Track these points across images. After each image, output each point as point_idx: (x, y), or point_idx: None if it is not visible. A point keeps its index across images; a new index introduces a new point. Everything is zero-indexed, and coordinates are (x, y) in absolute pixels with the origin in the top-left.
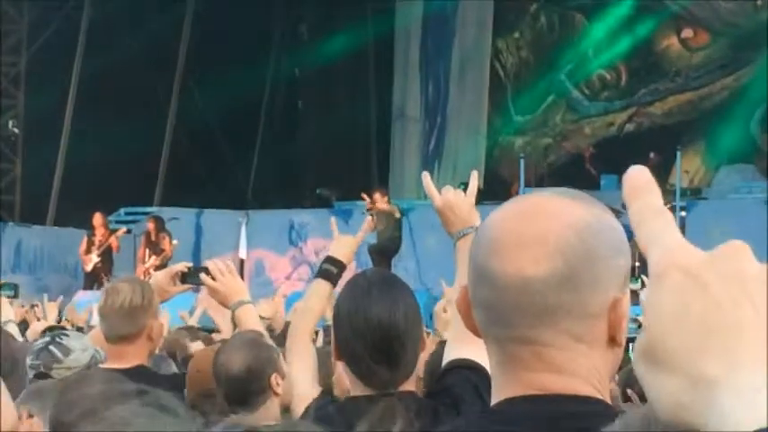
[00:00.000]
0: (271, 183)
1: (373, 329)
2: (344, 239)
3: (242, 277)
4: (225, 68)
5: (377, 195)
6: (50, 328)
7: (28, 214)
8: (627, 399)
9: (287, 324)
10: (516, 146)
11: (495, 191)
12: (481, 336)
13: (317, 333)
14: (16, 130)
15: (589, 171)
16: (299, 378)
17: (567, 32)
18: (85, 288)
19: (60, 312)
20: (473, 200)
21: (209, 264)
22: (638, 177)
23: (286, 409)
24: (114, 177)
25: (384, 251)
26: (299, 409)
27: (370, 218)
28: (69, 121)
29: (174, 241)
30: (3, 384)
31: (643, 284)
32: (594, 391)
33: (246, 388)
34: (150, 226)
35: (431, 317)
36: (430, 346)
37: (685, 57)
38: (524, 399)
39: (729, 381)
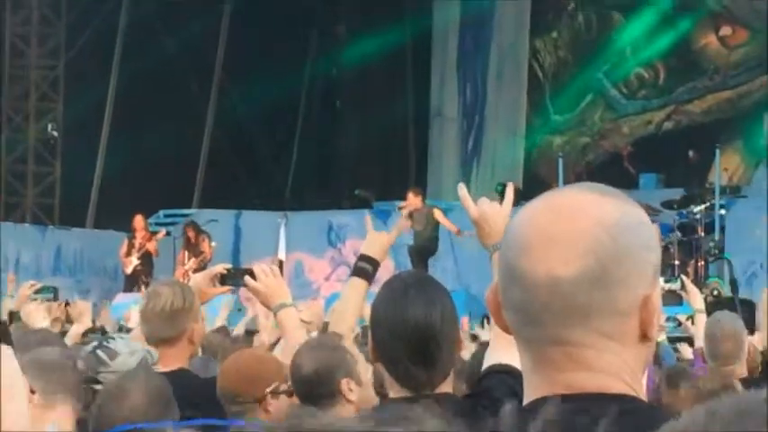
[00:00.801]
0: (309, 183)
1: (410, 331)
2: (377, 237)
3: None
4: (262, 69)
5: (410, 195)
6: (91, 331)
7: (68, 217)
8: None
9: (325, 324)
10: (555, 145)
11: (533, 191)
12: (512, 334)
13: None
14: (55, 134)
15: (627, 170)
16: None
17: (605, 31)
18: (125, 290)
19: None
20: (509, 211)
21: (255, 267)
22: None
23: None
24: (153, 179)
25: (422, 251)
26: None
27: (403, 217)
28: (108, 124)
29: (214, 243)
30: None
31: (683, 285)
32: (627, 387)
33: (315, 390)
34: (189, 228)
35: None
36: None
37: (723, 54)
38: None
39: None
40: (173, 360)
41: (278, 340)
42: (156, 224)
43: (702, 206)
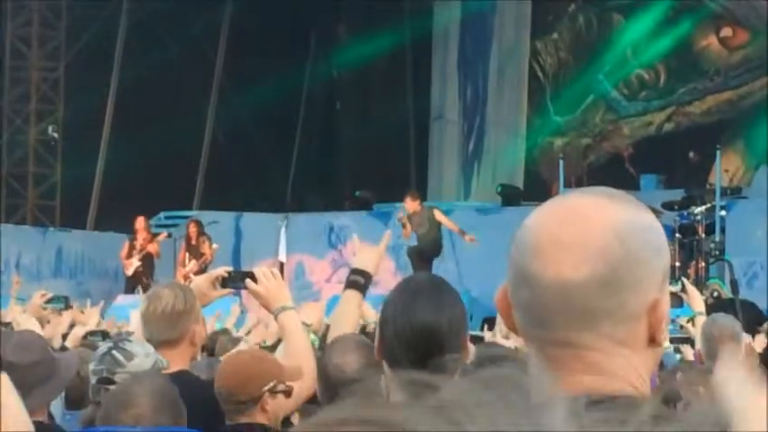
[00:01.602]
0: (309, 184)
1: (416, 334)
2: (367, 250)
3: None
4: (263, 71)
5: (408, 199)
6: (91, 333)
7: (68, 219)
8: None
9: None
10: (555, 146)
11: (534, 191)
12: (521, 335)
13: None
14: (56, 135)
15: (628, 171)
16: None
17: (606, 32)
18: (126, 292)
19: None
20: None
21: (255, 270)
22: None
23: None
24: (153, 181)
25: (422, 253)
26: None
27: (389, 231)
28: (108, 126)
29: (215, 245)
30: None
31: (683, 287)
32: (634, 390)
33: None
34: (191, 230)
35: (471, 318)
36: None
37: (724, 56)
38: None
39: None
40: (174, 362)
41: (278, 342)
42: (157, 226)
43: (703, 207)
